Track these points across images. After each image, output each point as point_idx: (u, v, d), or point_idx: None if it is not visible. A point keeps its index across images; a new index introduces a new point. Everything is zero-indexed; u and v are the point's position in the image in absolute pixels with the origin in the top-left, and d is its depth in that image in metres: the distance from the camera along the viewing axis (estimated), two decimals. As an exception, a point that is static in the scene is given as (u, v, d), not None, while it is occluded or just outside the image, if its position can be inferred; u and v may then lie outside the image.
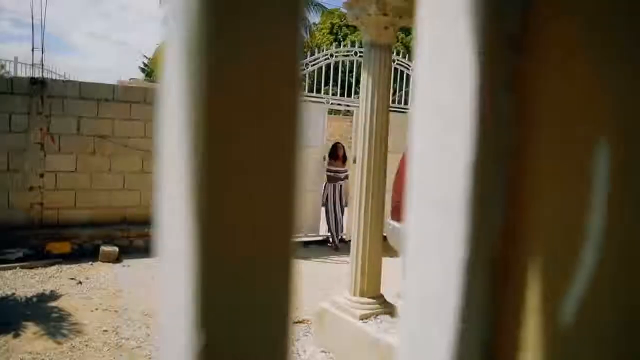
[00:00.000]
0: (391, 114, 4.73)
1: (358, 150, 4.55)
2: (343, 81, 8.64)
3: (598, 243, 0.33)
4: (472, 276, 0.36)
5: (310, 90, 8.61)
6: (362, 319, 4.28)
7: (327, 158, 8.66)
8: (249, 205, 0.32)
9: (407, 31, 19.63)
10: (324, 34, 24.37)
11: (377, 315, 4.36)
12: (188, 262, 0.30)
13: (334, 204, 8.50)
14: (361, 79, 4.57)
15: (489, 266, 0.36)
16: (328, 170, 8.58)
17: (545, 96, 0.35)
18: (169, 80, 0.31)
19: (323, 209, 8.67)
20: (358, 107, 9.48)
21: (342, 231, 8.68)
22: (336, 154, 8.62)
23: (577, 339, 0.34)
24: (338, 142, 8.95)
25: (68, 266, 6.61)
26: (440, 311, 0.37)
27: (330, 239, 8.65)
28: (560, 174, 0.35)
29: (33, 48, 7.15)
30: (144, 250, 7.48)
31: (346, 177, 8.57)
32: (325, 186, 8.64)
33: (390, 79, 4.59)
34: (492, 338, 0.38)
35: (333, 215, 8.52)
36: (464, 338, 0.36)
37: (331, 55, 8.61)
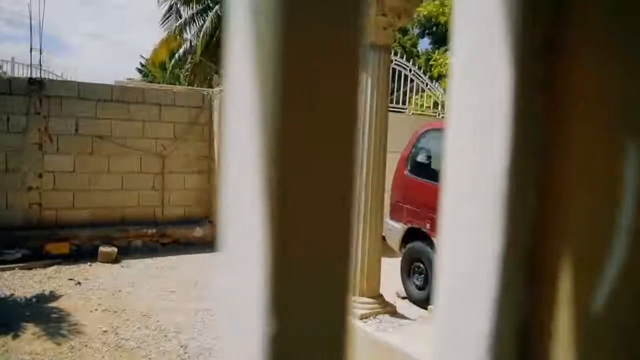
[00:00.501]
0: (389, 114, 4.74)
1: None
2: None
3: (627, 237, 0.34)
4: (507, 267, 0.37)
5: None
6: (362, 319, 4.29)
7: None
8: (314, 204, 0.33)
9: (405, 32, 19.62)
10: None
11: (376, 315, 4.38)
12: (262, 258, 0.32)
13: None
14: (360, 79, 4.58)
15: (522, 258, 0.38)
16: None
17: (578, 96, 0.37)
18: (238, 82, 0.32)
19: None
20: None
21: None
22: None
23: (606, 328, 0.36)
24: None
25: (67, 267, 6.60)
26: (475, 300, 0.39)
27: None
28: (591, 171, 0.36)
29: (31, 49, 7.15)
30: (142, 250, 7.49)
31: None
32: None
33: (389, 79, 4.61)
34: (524, 326, 0.39)
35: None
36: (498, 325, 0.38)
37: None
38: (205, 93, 8.43)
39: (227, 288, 0.36)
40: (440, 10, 8.99)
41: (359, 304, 4.41)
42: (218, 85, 8.80)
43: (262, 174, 0.31)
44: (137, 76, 20.17)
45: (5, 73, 13.55)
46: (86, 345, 4.48)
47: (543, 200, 0.37)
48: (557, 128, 0.37)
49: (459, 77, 0.39)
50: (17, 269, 6.37)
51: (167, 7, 17.84)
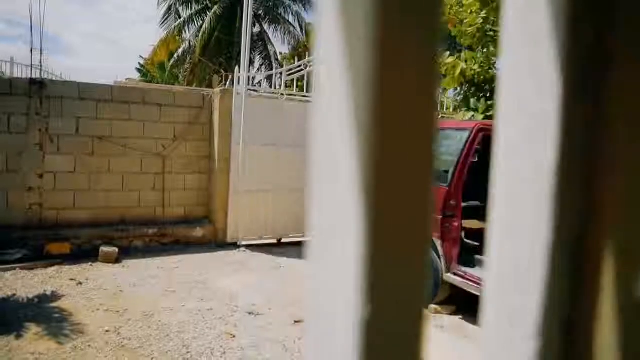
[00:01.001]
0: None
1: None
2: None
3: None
4: (555, 261, 0.39)
5: (309, 91, 8.64)
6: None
7: None
8: (403, 204, 0.35)
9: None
10: (319, 34, 24.35)
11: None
12: (357, 254, 0.34)
13: None
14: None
15: (569, 254, 0.40)
16: None
17: (623, 100, 0.39)
18: (329, 85, 0.33)
19: None
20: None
21: None
22: None
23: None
24: None
25: (68, 267, 6.61)
26: (525, 287, 0.41)
27: None
28: (635, 170, 0.38)
29: (32, 49, 7.19)
30: (143, 250, 7.50)
31: None
32: None
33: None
34: (571, 312, 0.41)
35: None
36: (546, 312, 0.40)
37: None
38: (205, 93, 8.44)
39: (320, 279, 0.38)
40: (440, 10, 8.99)
41: (361, 304, 4.42)
42: (218, 85, 8.81)
43: (357, 174, 0.33)
44: (136, 76, 20.17)
45: (3, 73, 13.55)
46: (89, 345, 4.49)
47: (589, 199, 0.39)
48: (604, 131, 0.39)
49: (508, 86, 0.41)
50: (18, 269, 6.37)
51: (166, 7, 17.83)
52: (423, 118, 0.35)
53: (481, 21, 8.34)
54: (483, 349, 0.44)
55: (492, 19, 8.30)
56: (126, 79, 17.09)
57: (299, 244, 8.56)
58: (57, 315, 5.10)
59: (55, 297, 5.59)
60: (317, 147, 0.36)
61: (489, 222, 0.44)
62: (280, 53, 21.80)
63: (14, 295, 5.60)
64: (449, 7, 8.95)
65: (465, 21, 8.61)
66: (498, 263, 0.42)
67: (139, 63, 21.15)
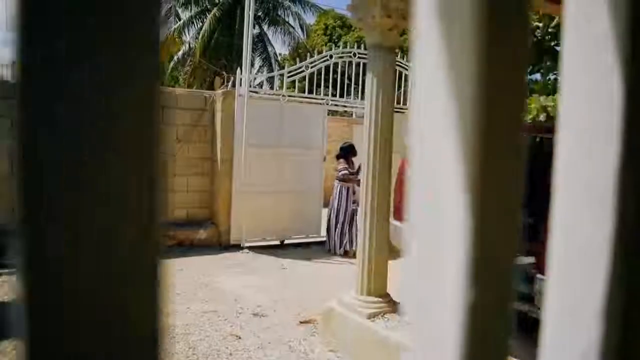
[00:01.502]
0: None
1: (363, 151, 4.59)
2: (335, 81, 8.67)
3: None
4: (616, 256, 0.41)
5: (310, 92, 8.66)
6: (369, 318, 4.33)
7: (342, 160, 8.13)
8: (503, 198, 0.36)
9: (402, 32, 19.64)
10: (318, 34, 24.40)
11: (384, 314, 4.41)
12: (463, 250, 0.35)
13: (332, 206, 7.96)
14: (366, 80, 4.62)
15: (631, 238, 0.41)
16: (351, 173, 7.93)
17: None
18: (431, 86, 0.35)
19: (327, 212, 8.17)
20: (356, 107, 9.57)
21: (349, 242, 7.92)
22: (349, 154, 8.11)
23: None
24: (347, 142, 8.50)
25: (72, 270, 6.61)
26: (589, 276, 0.42)
27: (330, 246, 8.08)
28: None
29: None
30: (147, 252, 7.50)
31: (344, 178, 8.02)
32: (339, 189, 8.00)
33: (395, 80, 4.64)
34: (629, 300, 0.43)
35: (334, 218, 7.95)
36: (608, 300, 0.41)
37: (330, 57, 8.67)
38: (207, 95, 8.46)
39: (423, 268, 0.40)
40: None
41: (366, 303, 4.44)
42: (220, 87, 8.83)
43: (462, 171, 0.34)
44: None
45: (0, 77, 13.56)
46: (95, 348, 4.51)
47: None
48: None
49: (569, 93, 0.42)
50: (22, 272, 6.38)
51: (165, 9, 17.88)
52: (516, 118, 0.36)
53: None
54: (545, 335, 0.46)
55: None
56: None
57: (301, 245, 8.58)
58: (62, 318, 5.11)
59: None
60: (421, 147, 0.38)
61: (553, 213, 0.45)
62: (280, 54, 21.84)
63: (19, 298, 5.61)
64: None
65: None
66: (563, 253, 0.44)
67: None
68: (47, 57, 0.29)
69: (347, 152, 8.14)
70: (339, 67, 8.69)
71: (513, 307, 0.39)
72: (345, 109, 10.61)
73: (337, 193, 7.94)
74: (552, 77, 10.49)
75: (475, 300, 0.36)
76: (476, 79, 0.33)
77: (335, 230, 7.96)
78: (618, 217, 0.41)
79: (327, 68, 8.55)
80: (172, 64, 18.10)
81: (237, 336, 4.84)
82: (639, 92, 0.40)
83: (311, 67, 8.45)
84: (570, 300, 0.43)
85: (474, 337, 0.36)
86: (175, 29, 18.16)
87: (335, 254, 7.91)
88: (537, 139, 5.95)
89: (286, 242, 8.51)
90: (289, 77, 8.41)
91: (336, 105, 9.32)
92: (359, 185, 7.51)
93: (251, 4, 7.88)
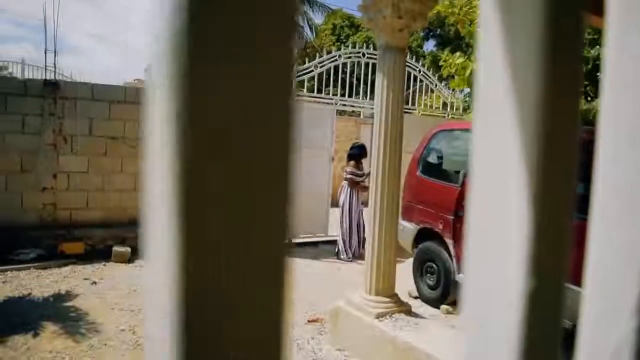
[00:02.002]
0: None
1: (373, 151, 4.60)
2: (345, 81, 8.68)
3: None
4: None
5: (319, 92, 8.68)
6: (378, 318, 4.34)
7: (352, 161, 8.01)
8: (558, 202, 0.39)
9: (410, 33, 19.61)
10: (326, 34, 24.40)
11: (392, 313, 4.42)
12: (524, 243, 0.38)
13: (343, 209, 7.83)
14: (376, 81, 4.63)
15: None
16: (357, 175, 7.83)
17: None
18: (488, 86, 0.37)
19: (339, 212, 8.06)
20: (364, 107, 9.57)
21: (358, 245, 7.83)
22: (360, 155, 7.98)
23: None
24: (357, 142, 8.28)
25: (82, 266, 6.67)
26: (626, 271, 0.44)
27: (339, 249, 7.95)
28: None
29: (46, 50, 7.24)
30: (155, 250, 7.55)
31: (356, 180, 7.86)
32: (341, 190, 7.96)
33: (404, 81, 4.65)
34: None
35: (345, 222, 7.83)
36: (635, 336, 0.43)
37: (339, 57, 8.68)
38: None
39: (479, 260, 0.42)
40: (450, 10, 8.99)
41: (375, 303, 4.45)
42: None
43: (524, 171, 0.36)
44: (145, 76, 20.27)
45: (10, 74, 13.66)
46: (105, 344, 4.54)
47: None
48: None
49: (610, 96, 0.44)
50: (32, 268, 6.44)
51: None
52: (573, 122, 0.38)
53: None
54: (583, 325, 0.48)
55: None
56: (134, 80, 17.20)
57: (309, 244, 8.60)
58: (72, 314, 5.15)
59: (70, 296, 5.65)
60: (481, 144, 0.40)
61: (593, 213, 0.47)
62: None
63: (30, 294, 5.67)
64: (458, 7, 8.96)
65: (475, 22, 8.62)
66: (603, 247, 0.45)
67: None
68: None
69: (357, 154, 8.04)
70: (348, 67, 8.71)
71: (565, 293, 0.41)
72: (353, 108, 10.61)
73: (347, 196, 7.84)
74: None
75: (533, 287, 0.38)
76: (539, 89, 0.35)
77: (345, 234, 7.88)
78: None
79: (335, 68, 8.57)
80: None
81: (245, 334, 4.87)
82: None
83: (320, 67, 8.47)
84: (606, 298, 0.45)
85: (532, 321, 0.38)
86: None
87: (345, 257, 7.85)
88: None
89: (293, 241, 8.51)
90: (298, 76, 8.43)
91: (344, 105, 9.33)
92: (364, 190, 7.55)
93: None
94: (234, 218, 0.34)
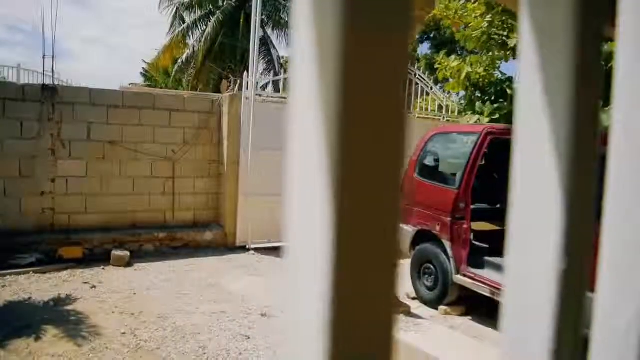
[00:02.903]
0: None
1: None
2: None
3: None
4: None
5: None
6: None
7: None
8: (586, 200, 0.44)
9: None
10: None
11: (392, 315, 4.46)
12: (556, 234, 0.42)
13: None
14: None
15: None
16: None
17: None
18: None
19: None
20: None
21: None
22: None
23: None
24: None
25: (80, 270, 6.69)
26: (630, 288, 0.49)
27: None
28: None
29: (44, 56, 7.25)
30: (154, 254, 7.58)
31: None
32: None
33: (407, 85, 4.69)
34: None
35: None
36: None
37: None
38: (215, 98, 8.54)
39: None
40: (445, 13, 9.08)
41: (374, 305, 4.49)
42: (227, 90, 8.90)
43: (558, 176, 0.41)
44: (140, 80, 20.28)
45: (4, 78, 13.61)
46: (107, 347, 4.57)
47: None
48: None
49: (622, 92, 0.49)
50: (31, 272, 6.45)
51: (171, 13, 17.93)
52: (594, 132, 0.43)
53: (486, 25, 8.42)
54: (599, 303, 0.53)
55: (497, 22, 8.39)
56: (130, 84, 17.19)
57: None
58: (73, 318, 5.17)
59: (70, 300, 5.67)
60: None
61: (605, 210, 0.52)
62: (282, 57, 21.91)
63: (30, 298, 5.68)
64: (453, 11, 9.04)
65: (470, 25, 8.70)
66: (618, 230, 0.50)
67: (143, 68, 21.28)
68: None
69: None
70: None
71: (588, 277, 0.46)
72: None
73: None
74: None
75: (566, 269, 0.43)
76: (569, 105, 0.40)
77: None
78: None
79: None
80: (176, 66, 18.17)
81: (246, 336, 4.91)
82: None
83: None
84: (620, 279, 0.50)
85: (564, 296, 0.43)
86: (179, 32, 18.26)
87: None
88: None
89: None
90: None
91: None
92: None
93: (258, 10, 7.97)
94: (366, 215, 0.37)
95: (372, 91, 0.38)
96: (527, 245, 0.47)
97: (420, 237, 6.15)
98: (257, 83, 8.35)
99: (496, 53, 8.69)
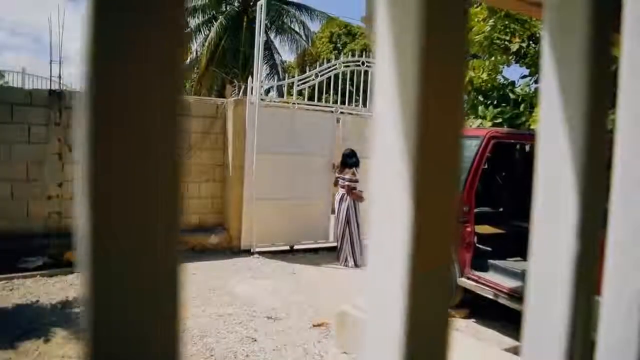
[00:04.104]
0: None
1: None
2: (343, 89, 8.79)
3: None
4: None
5: (319, 100, 8.81)
6: (383, 321, 4.43)
7: (338, 166, 8.15)
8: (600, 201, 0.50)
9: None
10: (323, 42, 24.55)
11: (397, 317, 4.50)
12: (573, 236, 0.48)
13: (348, 218, 7.80)
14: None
15: None
16: (352, 181, 7.81)
17: None
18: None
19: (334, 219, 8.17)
20: (362, 114, 9.68)
21: (358, 252, 7.83)
22: (354, 162, 7.89)
23: None
24: (348, 149, 8.09)
25: (87, 274, 6.73)
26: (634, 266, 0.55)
27: (345, 257, 7.89)
28: None
29: (51, 61, 7.34)
30: (159, 257, 7.62)
31: (354, 187, 7.83)
32: (342, 198, 7.91)
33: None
34: None
35: (348, 229, 7.81)
36: None
37: (340, 65, 8.82)
38: (220, 103, 8.61)
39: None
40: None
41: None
42: (231, 94, 8.97)
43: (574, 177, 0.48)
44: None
45: (6, 83, 13.70)
46: (115, 349, 4.61)
47: None
48: None
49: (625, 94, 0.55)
50: (38, 276, 6.51)
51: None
52: (607, 139, 0.49)
53: (489, 29, 8.48)
54: (606, 278, 0.59)
55: (499, 27, 8.44)
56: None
57: (310, 250, 8.70)
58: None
59: (78, 302, 5.72)
60: None
61: (611, 202, 0.57)
62: (285, 62, 22.02)
63: (37, 301, 5.74)
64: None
65: (472, 29, 8.76)
66: (623, 214, 0.56)
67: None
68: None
69: (355, 162, 7.94)
70: (347, 74, 8.85)
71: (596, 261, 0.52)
72: (352, 116, 10.73)
73: (348, 203, 7.80)
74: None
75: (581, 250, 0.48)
76: (587, 119, 0.46)
77: (349, 241, 7.86)
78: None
79: (335, 76, 8.71)
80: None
81: (252, 338, 4.96)
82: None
83: (321, 76, 8.60)
84: (625, 257, 0.55)
85: (579, 279, 0.49)
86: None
87: (352, 264, 7.82)
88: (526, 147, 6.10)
89: (296, 247, 8.62)
90: (299, 85, 8.56)
91: (342, 112, 9.42)
92: (359, 199, 7.69)
93: (262, 16, 8.05)
94: (438, 218, 0.41)
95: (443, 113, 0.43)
96: (546, 248, 0.53)
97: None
98: (263, 87, 8.42)
99: (498, 58, 8.75)
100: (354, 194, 7.79)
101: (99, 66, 0.34)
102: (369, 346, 0.44)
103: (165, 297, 0.38)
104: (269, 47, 19.05)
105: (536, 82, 10.99)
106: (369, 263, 0.44)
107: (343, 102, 9.03)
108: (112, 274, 0.36)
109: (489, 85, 8.85)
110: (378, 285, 0.42)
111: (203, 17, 18.97)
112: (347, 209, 7.80)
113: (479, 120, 8.46)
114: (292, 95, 10.69)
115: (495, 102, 8.83)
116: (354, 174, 7.84)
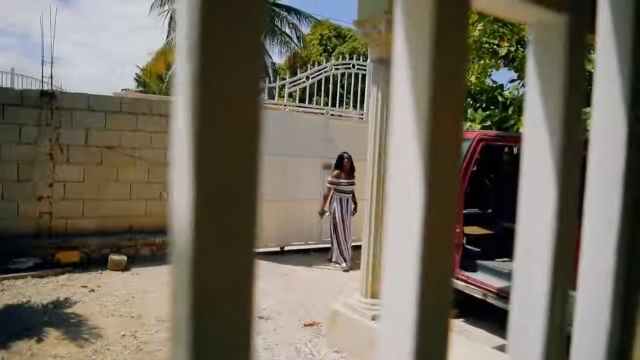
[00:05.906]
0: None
1: (368, 159, 4.78)
2: (334, 92, 8.86)
3: None
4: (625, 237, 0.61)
5: (310, 102, 8.88)
6: (374, 319, 4.50)
7: (333, 169, 8.07)
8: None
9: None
10: (313, 44, 24.60)
11: (387, 316, 4.57)
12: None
13: (342, 220, 7.81)
14: (370, 93, 4.82)
15: None
16: (332, 183, 7.85)
17: None
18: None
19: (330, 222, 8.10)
20: (352, 116, 9.77)
21: (348, 253, 7.90)
22: (342, 165, 7.83)
23: None
24: (345, 153, 8.02)
25: (78, 274, 6.75)
26: (602, 254, 0.62)
27: (337, 258, 7.95)
28: None
29: (43, 62, 7.34)
30: (151, 258, 7.65)
31: (351, 190, 7.85)
32: (331, 199, 7.95)
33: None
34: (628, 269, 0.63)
35: (342, 232, 7.85)
36: (615, 268, 0.61)
37: (331, 68, 8.89)
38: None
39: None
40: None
41: (371, 306, 4.62)
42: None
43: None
44: (133, 86, 20.30)
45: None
46: (108, 349, 4.65)
47: None
48: None
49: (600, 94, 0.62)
50: (29, 277, 6.51)
51: (167, 18, 17.99)
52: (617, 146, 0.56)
53: (478, 33, 8.60)
54: (583, 256, 0.66)
55: (488, 31, 8.56)
56: (122, 90, 17.20)
57: (301, 251, 8.75)
58: (73, 320, 5.24)
59: (69, 303, 5.74)
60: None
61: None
62: (275, 63, 22.05)
63: (29, 301, 5.74)
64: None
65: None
66: (599, 207, 0.63)
67: (136, 73, 21.31)
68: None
69: (336, 163, 7.96)
70: (338, 77, 8.93)
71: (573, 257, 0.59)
72: (342, 118, 10.81)
73: (339, 204, 7.84)
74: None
75: (557, 243, 0.55)
76: (564, 123, 0.53)
77: (339, 241, 7.92)
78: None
79: (326, 79, 8.78)
80: (170, 72, 18.23)
81: (244, 338, 5.00)
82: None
83: (312, 78, 8.67)
84: (596, 238, 0.62)
85: (558, 269, 0.56)
86: (174, 37, 18.34)
87: (344, 264, 7.86)
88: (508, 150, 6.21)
89: (286, 248, 8.67)
90: (290, 87, 8.63)
91: (332, 115, 9.48)
92: (355, 202, 7.83)
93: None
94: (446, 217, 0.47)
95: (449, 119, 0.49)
96: (529, 243, 0.59)
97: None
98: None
99: (487, 61, 8.87)
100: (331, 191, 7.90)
101: (203, 66, 0.34)
102: (385, 333, 0.50)
103: (245, 292, 0.38)
104: (259, 49, 19.04)
105: (524, 85, 11.12)
106: (386, 258, 0.50)
107: (334, 105, 9.11)
108: (209, 273, 0.36)
109: (478, 88, 8.96)
110: (393, 284, 0.48)
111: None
112: (336, 208, 7.86)
113: (468, 123, 8.58)
114: (282, 97, 10.76)
115: (484, 105, 8.96)
116: (337, 175, 7.85)
